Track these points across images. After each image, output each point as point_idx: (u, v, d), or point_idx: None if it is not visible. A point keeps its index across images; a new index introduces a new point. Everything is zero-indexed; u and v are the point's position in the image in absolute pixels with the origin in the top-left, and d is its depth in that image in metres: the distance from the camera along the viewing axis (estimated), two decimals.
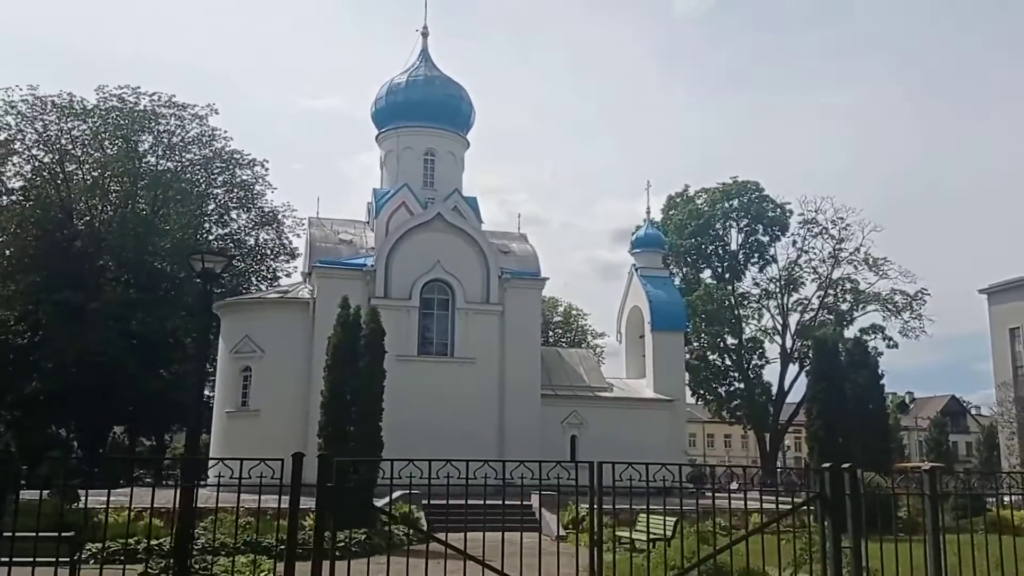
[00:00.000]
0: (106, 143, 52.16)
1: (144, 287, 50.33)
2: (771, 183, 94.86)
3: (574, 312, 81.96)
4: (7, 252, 51.49)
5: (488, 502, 9.05)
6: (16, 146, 51.78)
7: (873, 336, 54.34)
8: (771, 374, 54.22)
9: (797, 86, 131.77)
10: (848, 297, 55.28)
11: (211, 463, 31.33)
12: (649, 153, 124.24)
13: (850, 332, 53.73)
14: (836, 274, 55.08)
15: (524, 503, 23.95)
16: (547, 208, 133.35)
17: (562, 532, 24.03)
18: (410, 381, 34.34)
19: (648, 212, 43.37)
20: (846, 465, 10.59)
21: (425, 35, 41.73)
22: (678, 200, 55.24)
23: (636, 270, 42.19)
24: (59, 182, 51.35)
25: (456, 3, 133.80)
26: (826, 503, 10.67)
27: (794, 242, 54.13)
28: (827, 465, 10.87)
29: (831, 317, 54.31)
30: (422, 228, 36.51)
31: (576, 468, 9.53)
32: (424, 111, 39.44)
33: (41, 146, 52.02)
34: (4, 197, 51.72)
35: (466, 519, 8.92)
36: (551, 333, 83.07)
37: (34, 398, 49.06)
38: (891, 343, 54.39)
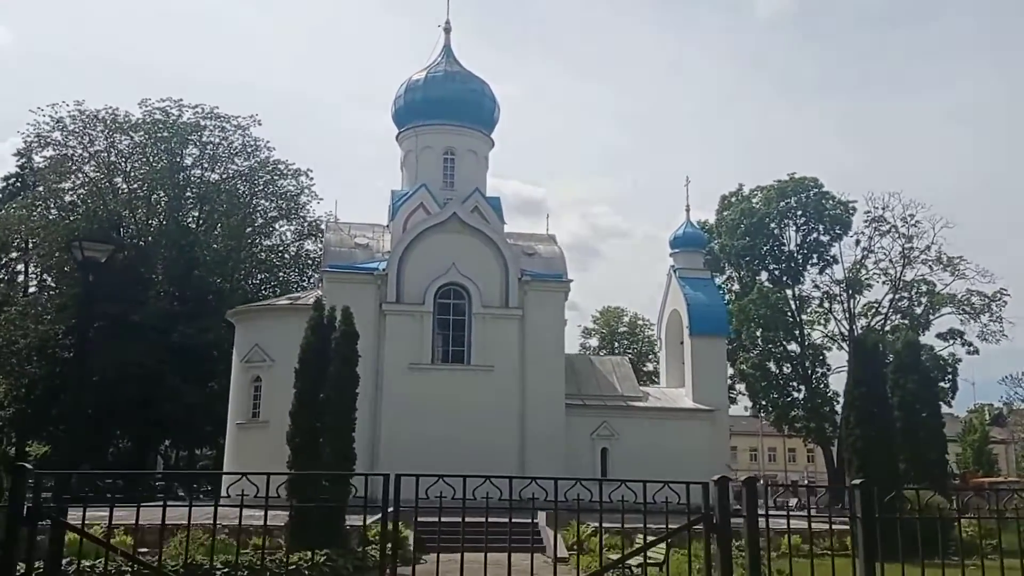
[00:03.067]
0: (151, 156, 51.66)
1: (187, 299, 49.44)
2: (851, 184, 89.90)
3: (640, 322, 78.80)
4: (60, 268, 51.41)
5: (492, 519, 7.76)
6: (70, 164, 51.79)
7: (951, 342, 49.92)
8: (838, 383, 50.09)
9: (885, 87, 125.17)
10: (923, 300, 50.79)
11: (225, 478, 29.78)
12: (734, 161, 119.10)
13: (926, 338, 49.54)
14: (909, 275, 50.76)
15: (533, 521, 21.43)
16: (630, 220, 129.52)
17: (564, 553, 21.50)
18: (424, 391, 32.29)
19: (688, 210, 39.95)
20: (857, 481, 8.68)
21: (447, 31, 39.46)
22: (732, 200, 51.60)
23: (674, 271, 38.91)
24: (107, 196, 50.94)
25: (530, 17, 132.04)
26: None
27: (857, 241, 50.03)
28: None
29: (905, 322, 49.84)
30: (437, 229, 34.10)
31: (601, 485, 8.49)
32: (443, 108, 37.11)
33: (89, 161, 51.82)
34: (57, 212, 51.55)
35: (462, 539, 7.57)
36: (616, 344, 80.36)
37: (78, 412, 48.44)
38: (971, 348, 49.77)
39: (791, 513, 9.95)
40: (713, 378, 36.64)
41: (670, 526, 8.75)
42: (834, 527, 9.64)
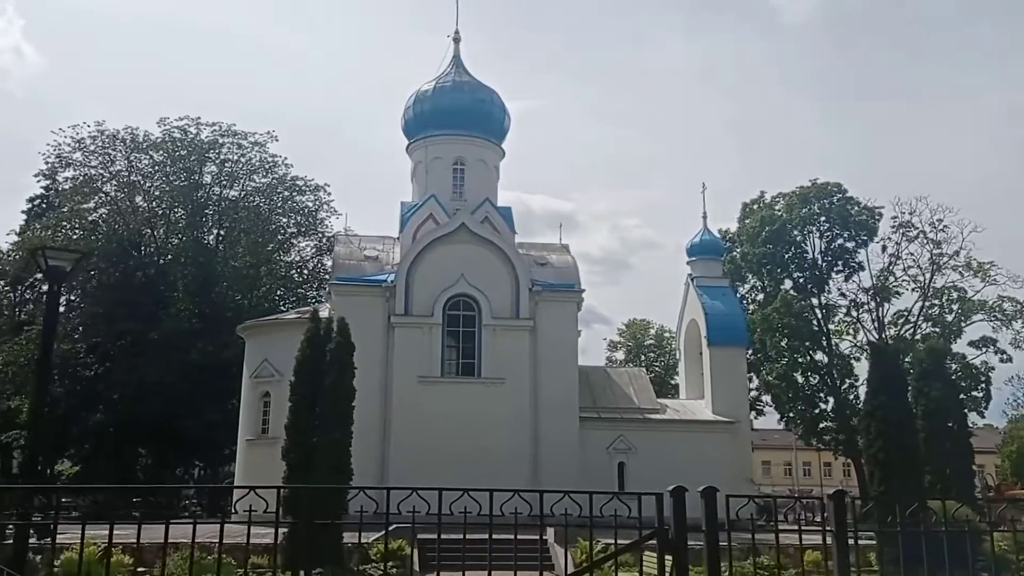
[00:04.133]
0: (171, 175, 51.68)
1: (207, 317, 49.12)
2: (876, 190, 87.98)
3: (667, 335, 77.52)
4: (84, 287, 51.55)
5: (499, 536, 7.13)
6: (94, 185, 51.99)
7: (984, 350, 48.14)
8: None
9: (909, 93, 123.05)
10: (954, 307, 49.09)
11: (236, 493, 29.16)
12: (763, 169, 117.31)
13: (958, 346, 47.88)
14: (939, 282, 49.07)
15: (542, 538, 20.65)
16: (661, 232, 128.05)
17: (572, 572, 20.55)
18: (434, 404, 31.61)
19: (704, 217, 38.89)
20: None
21: (457, 40, 38.97)
22: (754, 208, 50.32)
23: (692, 280, 37.83)
24: (127, 216, 50.97)
25: (555, 30, 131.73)
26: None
27: (884, 247, 48.41)
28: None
29: (936, 330, 48.20)
30: (445, 240, 33.43)
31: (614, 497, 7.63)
32: (452, 118, 36.54)
33: (110, 181, 51.95)
34: (81, 232, 51.62)
35: (463, 557, 7.07)
36: (642, 357, 79.12)
37: (100, 430, 48.40)
38: (1004, 356, 48.00)
39: (780, 529, 9.05)
40: (733, 389, 35.50)
41: (621, 542, 7.81)
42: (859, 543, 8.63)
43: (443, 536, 7.11)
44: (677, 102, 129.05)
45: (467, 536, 7.03)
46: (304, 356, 22.24)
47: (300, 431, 21.42)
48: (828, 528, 7.50)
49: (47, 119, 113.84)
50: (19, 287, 58.30)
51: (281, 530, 7.94)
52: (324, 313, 34.44)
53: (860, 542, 8.52)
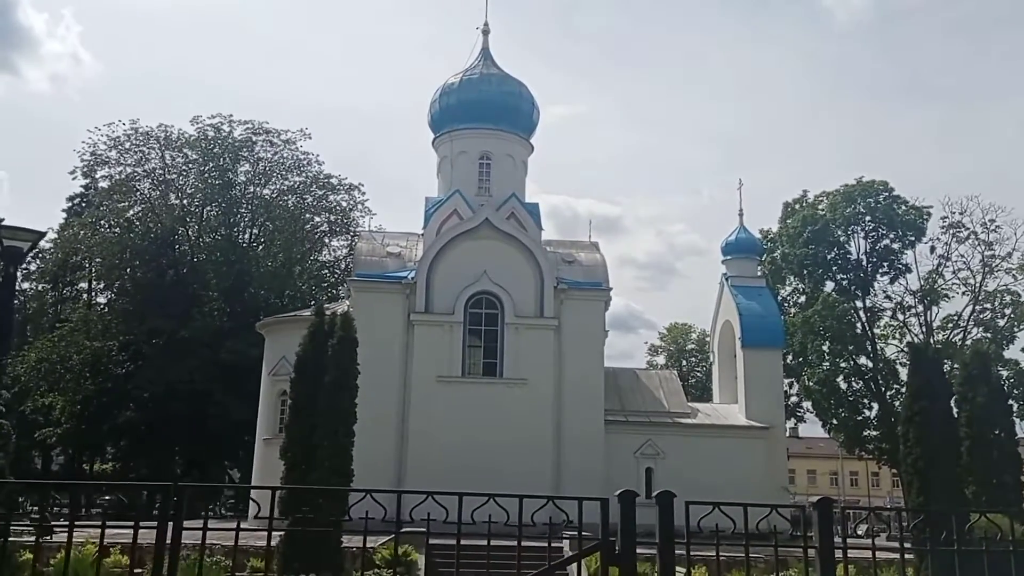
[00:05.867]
0: (205, 173, 51.35)
1: (237, 315, 48.66)
2: (925, 190, 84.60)
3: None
4: (122, 285, 51.51)
5: (511, 544, 6.68)
6: (131, 183, 51.91)
7: None
8: None
9: (968, 92, 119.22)
10: (1007, 311, 46.71)
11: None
12: (811, 173, 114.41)
13: (1011, 352, 45.57)
14: (991, 285, 46.72)
15: (553, 546, 19.08)
16: (708, 238, 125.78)
17: None
18: (454, 405, 30.62)
19: (740, 215, 37.24)
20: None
21: (486, 33, 37.87)
22: (796, 207, 48.43)
23: (727, 280, 36.25)
24: (161, 214, 50.74)
25: (603, 34, 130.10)
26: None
27: (932, 248, 46.23)
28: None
29: (987, 335, 45.91)
30: (468, 236, 32.32)
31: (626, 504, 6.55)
32: (478, 111, 35.44)
33: (144, 179, 51.82)
34: (117, 230, 51.51)
35: (457, 566, 6.63)
36: (684, 362, 77.41)
37: (130, 428, 48.15)
38: None
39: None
40: (768, 393, 33.88)
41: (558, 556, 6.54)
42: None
43: (453, 543, 6.50)
44: (723, 105, 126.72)
45: (481, 543, 6.61)
46: (306, 352, 21.22)
47: (299, 430, 20.37)
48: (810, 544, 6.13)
49: (105, 123, 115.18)
50: (59, 284, 58.78)
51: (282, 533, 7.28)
52: (344, 310, 33.82)
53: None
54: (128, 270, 50.19)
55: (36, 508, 37.16)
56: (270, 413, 33.29)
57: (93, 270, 54.27)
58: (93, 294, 56.53)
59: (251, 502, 12.05)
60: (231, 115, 51.36)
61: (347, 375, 20.76)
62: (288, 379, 31.38)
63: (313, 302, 51.35)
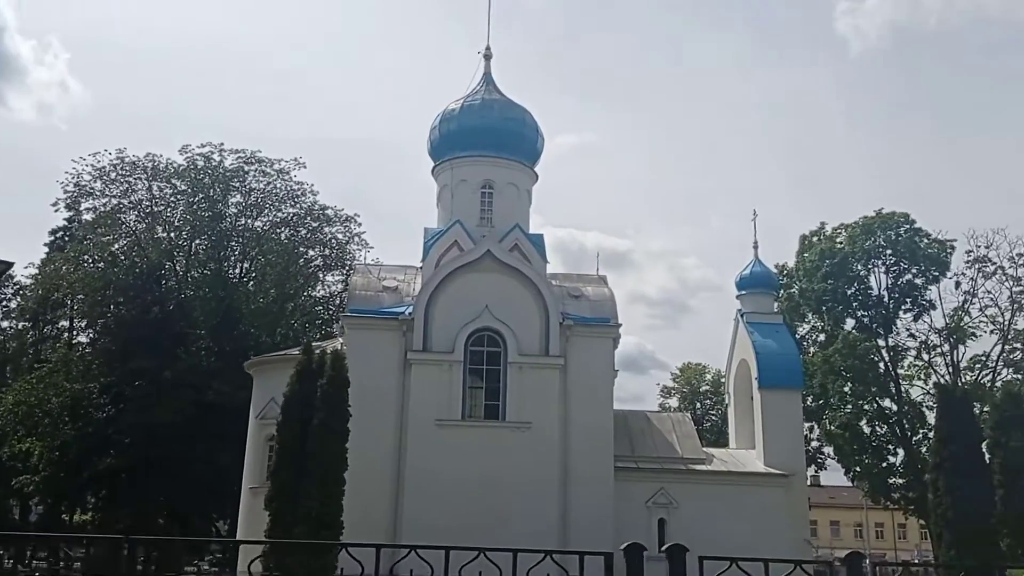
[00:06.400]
0: (194, 204, 50.79)
1: (226, 355, 47.71)
2: (948, 222, 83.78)
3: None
4: (106, 322, 50.67)
5: None
6: (117, 216, 51.37)
7: None
8: None
9: (992, 122, 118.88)
10: None
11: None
12: (828, 206, 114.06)
13: None
14: (1021, 323, 46.04)
15: None
16: (722, 273, 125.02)
17: None
18: (453, 450, 29.75)
19: (755, 247, 36.50)
20: None
21: (488, 57, 37.33)
22: (814, 240, 47.94)
23: (742, 316, 35.42)
24: (147, 247, 50.11)
25: (609, 63, 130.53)
26: None
27: (958, 284, 45.75)
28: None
29: (1018, 376, 45.12)
30: (469, 268, 31.54)
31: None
32: (480, 139, 34.85)
33: (130, 211, 51.28)
34: (100, 265, 50.80)
35: None
36: (698, 404, 76.52)
37: (111, 476, 47.05)
38: None
39: None
40: (787, 437, 32.89)
41: None
42: None
43: None
44: (736, 135, 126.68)
45: None
46: (293, 393, 20.50)
47: (284, 477, 19.49)
48: None
49: (90, 153, 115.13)
50: (39, 322, 57.91)
51: None
52: (338, 347, 32.96)
53: None
54: (111, 307, 49.34)
55: (12, 562, 36.10)
56: (257, 460, 32.33)
57: (75, 307, 53.48)
58: (74, 333, 55.66)
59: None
60: (222, 144, 51.00)
61: (337, 417, 20.00)
62: (276, 423, 30.80)
63: (309, 340, 50.74)
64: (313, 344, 35.54)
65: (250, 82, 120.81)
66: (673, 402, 75.64)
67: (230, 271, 51.97)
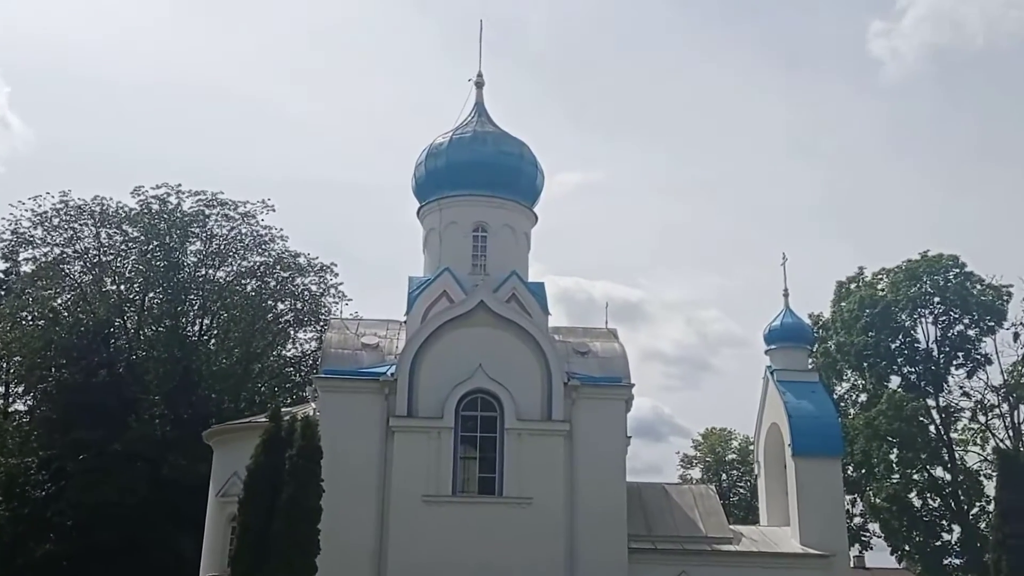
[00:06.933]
0: (147, 253, 51.26)
1: (183, 423, 47.63)
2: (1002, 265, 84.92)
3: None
4: (45, 388, 50.63)
5: None
6: (59, 267, 51.66)
7: None
8: None
9: None
10: None
11: None
12: (867, 249, 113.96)
13: None
14: None
15: None
16: (747, 326, 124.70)
17: None
18: (442, 531, 29.62)
19: (786, 295, 36.55)
20: None
21: (480, 85, 37.78)
22: (852, 287, 48.42)
23: (772, 374, 35.39)
24: (94, 302, 50.28)
25: (620, 95, 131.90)
26: None
27: (1016, 335, 46.08)
28: None
29: None
30: (460, 322, 31.44)
31: None
32: (471, 176, 35.04)
33: (75, 261, 51.60)
34: (41, 322, 50.86)
35: None
36: (723, 475, 76.35)
37: (50, 564, 46.55)
38: None
39: None
40: (826, 513, 32.62)
41: None
42: None
43: None
44: (762, 170, 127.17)
45: None
46: (258, 465, 20.48)
47: (247, 563, 19.30)
48: None
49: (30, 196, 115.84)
50: None
51: None
52: (310, 413, 32.85)
53: None
54: (53, 370, 49.35)
55: None
56: (218, 544, 31.98)
57: (11, 371, 53.41)
58: (10, 399, 55.54)
59: None
60: (179, 185, 51.70)
61: (308, 494, 19.91)
62: (239, 500, 30.65)
63: (279, 406, 50.70)
64: (282, 410, 35.64)
65: (214, 117, 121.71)
66: (695, 473, 76.26)
67: (188, 328, 52.21)
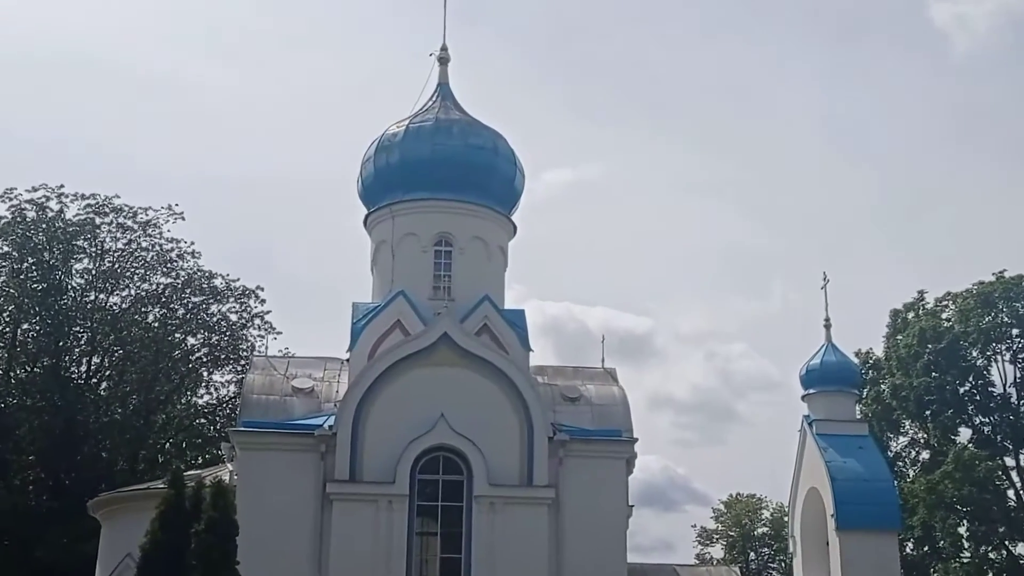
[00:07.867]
0: (20, 274, 51.39)
1: (66, 492, 47.82)
2: None
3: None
4: None
5: None
6: None
7: None
8: None
9: None
10: None
11: None
12: (929, 267, 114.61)
13: None
14: None
15: None
16: (781, 364, 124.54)
17: None
18: None
19: (828, 327, 36.72)
20: None
21: (444, 61, 38.01)
22: (910, 316, 48.97)
23: (810, 426, 35.59)
24: None
25: (629, 74, 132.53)
26: None
27: None
28: None
29: None
30: (417, 361, 31.39)
31: None
32: (432, 175, 35.21)
33: None
34: None
35: None
36: (751, 552, 76.88)
37: None
38: None
39: None
40: None
41: None
42: None
43: None
44: (798, 169, 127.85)
45: None
46: (155, 544, 20.11)
47: None
48: None
49: None
50: None
51: None
52: (223, 476, 32.68)
53: None
54: None
55: None
56: None
57: None
58: None
59: None
60: (61, 187, 51.97)
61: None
62: None
63: (189, 467, 50.66)
64: (189, 473, 35.60)
65: (106, 98, 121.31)
66: (716, 551, 77.28)
67: (72, 369, 52.45)
